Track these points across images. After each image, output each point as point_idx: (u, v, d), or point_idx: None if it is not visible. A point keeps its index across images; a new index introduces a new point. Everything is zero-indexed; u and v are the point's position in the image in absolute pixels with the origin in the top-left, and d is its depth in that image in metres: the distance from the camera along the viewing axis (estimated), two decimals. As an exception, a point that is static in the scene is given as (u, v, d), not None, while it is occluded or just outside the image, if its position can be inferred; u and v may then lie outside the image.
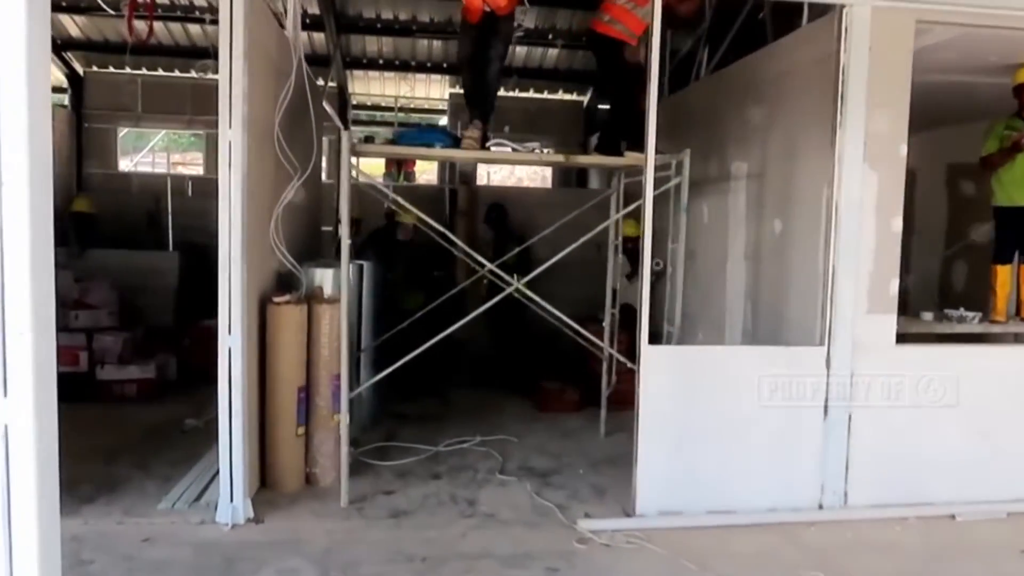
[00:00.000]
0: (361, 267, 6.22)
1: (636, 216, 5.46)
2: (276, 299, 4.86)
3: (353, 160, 5.10)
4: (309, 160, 5.50)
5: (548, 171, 13.66)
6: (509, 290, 5.45)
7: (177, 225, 9.45)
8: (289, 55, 5.23)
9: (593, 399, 6.86)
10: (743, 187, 6.21)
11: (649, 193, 4.71)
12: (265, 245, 5.04)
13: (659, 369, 4.69)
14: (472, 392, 8.20)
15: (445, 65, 10.83)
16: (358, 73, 11.31)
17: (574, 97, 11.80)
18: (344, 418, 4.79)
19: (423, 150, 5.24)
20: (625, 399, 5.62)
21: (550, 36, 9.98)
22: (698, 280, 7.12)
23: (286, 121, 5.39)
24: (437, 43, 10.31)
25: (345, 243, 4.71)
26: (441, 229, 5.59)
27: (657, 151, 5.30)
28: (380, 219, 8.50)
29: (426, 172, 14.29)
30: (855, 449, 4.81)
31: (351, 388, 4.87)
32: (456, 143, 5.30)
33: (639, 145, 5.36)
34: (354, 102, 11.55)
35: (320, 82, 7.99)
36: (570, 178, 12.18)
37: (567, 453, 6.02)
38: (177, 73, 11.12)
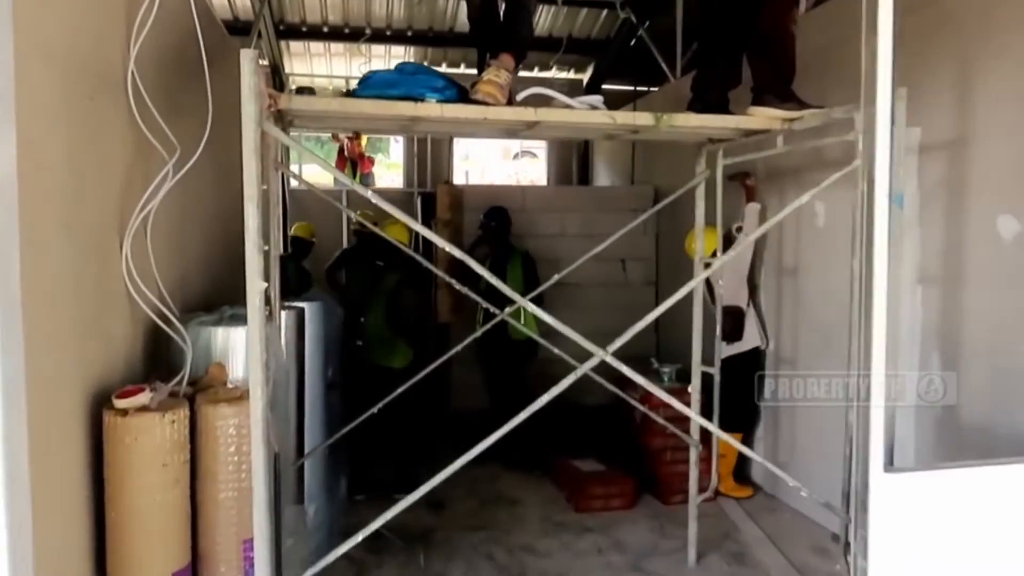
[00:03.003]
0: (300, 313, 3.77)
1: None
2: (119, 400, 2.39)
3: (292, 155, 2.67)
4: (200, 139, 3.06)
5: (542, 166, 11.25)
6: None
7: None
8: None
9: (644, 481, 5.18)
10: (914, 166, 3.90)
11: (883, 172, 2.39)
12: (109, 286, 2.63)
13: (907, 517, 2.35)
14: (470, 471, 5.80)
15: (410, 32, 8.40)
16: (296, 47, 8.81)
17: (571, 75, 9.48)
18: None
19: (406, 107, 2.83)
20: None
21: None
22: (811, 312, 4.84)
23: (158, 75, 3.00)
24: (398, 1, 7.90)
25: (253, 271, 2.24)
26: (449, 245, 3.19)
27: (801, 103, 3.06)
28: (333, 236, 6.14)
29: (389, 173, 11.79)
30: None
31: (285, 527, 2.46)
32: (462, 94, 2.95)
33: (779, 96, 3.09)
34: (292, 86, 9.01)
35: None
36: (569, 172, 9.83)
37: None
38: None
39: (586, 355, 3.01)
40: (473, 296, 4.18)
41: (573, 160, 9.77)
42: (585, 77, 9.27)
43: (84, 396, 2.43)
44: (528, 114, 2.96)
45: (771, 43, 3.20)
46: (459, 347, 4.30)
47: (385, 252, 5.78)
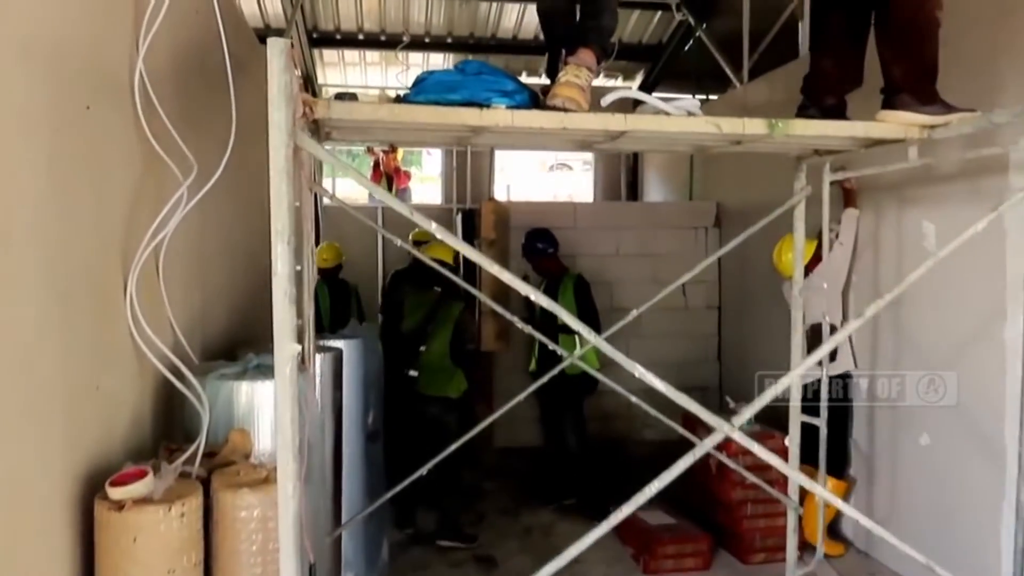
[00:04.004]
0: (338, 356, 3.25)
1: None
2: (114, 489, 1.87)
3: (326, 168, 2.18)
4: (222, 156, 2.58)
5: (587, 179, 10.71)
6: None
7: None
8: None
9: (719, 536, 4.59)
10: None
11: None
12: (109, 335, 2.15)
13: None
14: (520, 516, 5.28)
15: (450, 39, 7.93)
16: (329, 56, 8.37)
17: (619, 83, 8.94)
18: None
19: (470, 115, 2.30)
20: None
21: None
22: (915, 347, 4.22)
23: (174, 81, 2.54)
24: (437, 3, 7.42)
25: (283, 330, 1.68)
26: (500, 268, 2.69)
27: (947, 106, 2.51)
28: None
29: (423, 187, 11.29)
30: None
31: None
32: (533, 100, 2.42)
33: (919, 98, 2.52)
34: (326, 97, 8.56)
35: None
36: (617, 187, 9.25)
37: None
38: None
39: (643, 387, 2.49)
40: (518, 322, 3.65)
41: (622, 173, 9.20)
42: (635, 84, 8.71)
43: (72, 479, 1.93)
44: (616, 122, 2.42)
45: (909, 33, 2.62)
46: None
47: (441, 276, 5.35)
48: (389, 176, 8.97)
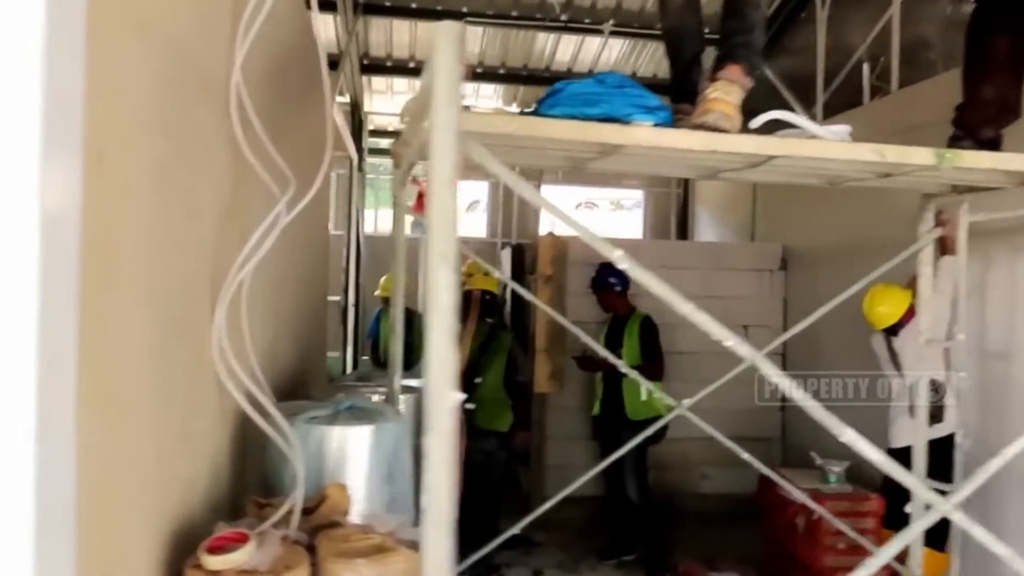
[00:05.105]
0: (420, 396, 2.95)
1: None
2: (211, 558, 1.56)
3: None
4: (315, 174, 2.31)
5: (615, 218, 10.49)
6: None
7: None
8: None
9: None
10: None
11: None
12: (197, 372, 1.87)
13: None
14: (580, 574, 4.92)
15: (502, 70, 7.75)
16: (378, 83, 8.20)
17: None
18: None
19: (611, 131, 2.03)
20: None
21: None
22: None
23: (261, 92, 2.31)
24: (492, 32, 7.26)
25: (442, 376, 1.37)
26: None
27: None
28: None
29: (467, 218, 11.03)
30: None
31: None
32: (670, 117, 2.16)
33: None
34: (371, 126, 8.38)
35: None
36: (666, 225, 8.97)
37: None
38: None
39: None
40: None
41: (672, 211, 8.93)
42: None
43: (160, 542, 1.62)
44: (773, 146, 2.14)
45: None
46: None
47: (492, 308, 5.13)
48: (431, 207, 8.72)
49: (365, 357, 7.49)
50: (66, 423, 1.10)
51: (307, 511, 1.94)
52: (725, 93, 2.14)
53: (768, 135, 2.24)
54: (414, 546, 1.81)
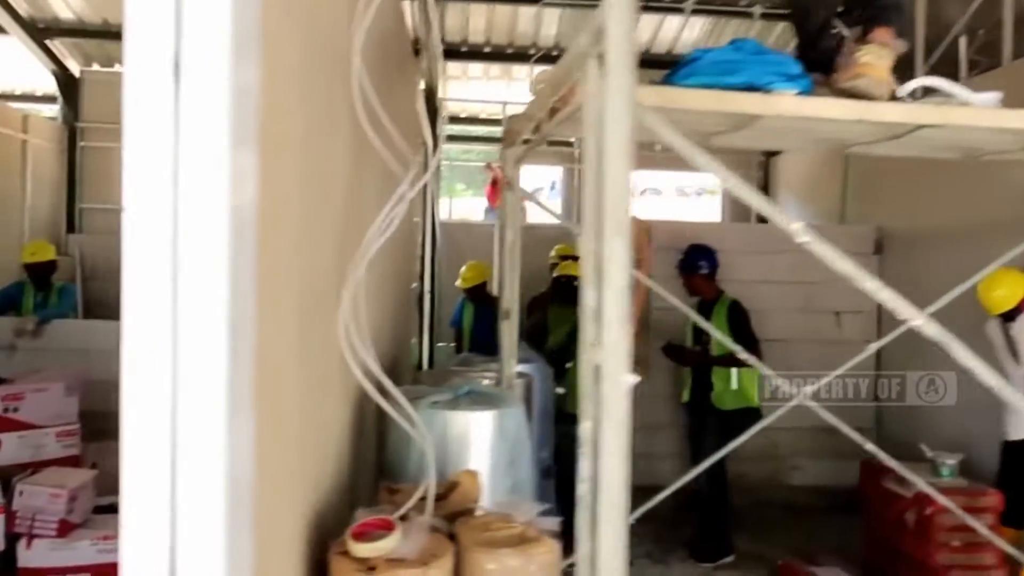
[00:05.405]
0: (528, 383, 2.89)
1: None
2: (359, 545, 1.51)
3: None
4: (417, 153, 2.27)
5: (679, 205, 10.26)
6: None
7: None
8: None
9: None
10: None
11: None
12: (329, 357, 1.84)
13: None
14: (671, 569, 4.82)
15: (555, 53, 7.62)
16: (452, 69, 8.15)
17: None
18: None
19: (752, 101, 1.92)
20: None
21: None
22: None
23: (372, 67, 2.24)
24: (570, 15, 7.12)
25: (617, 356, 1.31)
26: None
27: None
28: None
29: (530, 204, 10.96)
30: None
31: None
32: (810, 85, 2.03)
33: None
34: (444, 112, 8.34)
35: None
36: (745, 209, 8.71)
37: None
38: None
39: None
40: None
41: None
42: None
43: (305, 526, 1.59)
44: (923, 114, 1.99)
45: None
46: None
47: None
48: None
49: (441, 344, 7.49)
50: (246, 407, 1.06)
51: (438, 497, 1.90)
52: (877, 57, 2.01)
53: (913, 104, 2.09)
54: (554, 536, 1.75)
